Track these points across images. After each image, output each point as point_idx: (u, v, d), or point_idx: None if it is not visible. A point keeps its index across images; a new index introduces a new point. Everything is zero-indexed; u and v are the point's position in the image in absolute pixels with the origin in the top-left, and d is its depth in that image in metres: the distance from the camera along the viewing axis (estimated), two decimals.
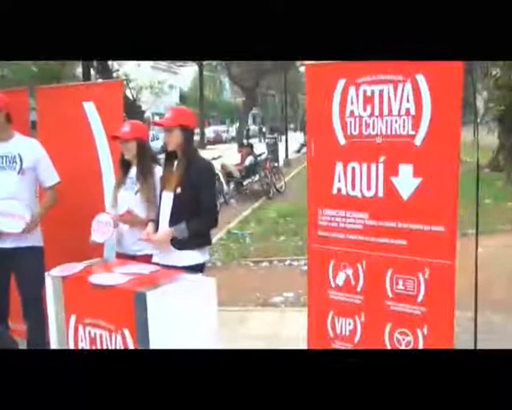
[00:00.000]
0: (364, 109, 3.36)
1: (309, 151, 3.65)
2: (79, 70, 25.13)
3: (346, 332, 3.55)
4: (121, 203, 3.90)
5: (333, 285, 3.58)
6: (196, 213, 3.51)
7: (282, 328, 5.19)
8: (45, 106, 4.84)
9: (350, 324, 3.54)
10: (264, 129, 45.71)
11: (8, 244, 3.91)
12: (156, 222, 3.66)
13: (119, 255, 3.87)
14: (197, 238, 3.59)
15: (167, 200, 3.61)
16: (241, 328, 5.16)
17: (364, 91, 3.35)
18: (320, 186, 3.59)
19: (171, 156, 3.66)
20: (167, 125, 3.58)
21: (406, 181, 3.24)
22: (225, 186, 13.83)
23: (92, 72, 15.60)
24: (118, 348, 2.90)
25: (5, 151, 3.92)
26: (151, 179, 3.81)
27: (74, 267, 3.31)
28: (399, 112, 3.23)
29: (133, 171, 3.91)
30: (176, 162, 3.63)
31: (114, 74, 22.14)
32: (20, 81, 19.66)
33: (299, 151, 28.47)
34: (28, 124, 4.84)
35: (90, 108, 4.45)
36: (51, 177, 4.09)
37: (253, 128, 46.52)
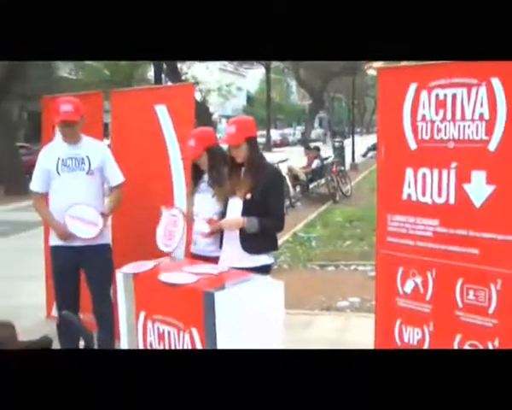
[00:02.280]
0: (436, 113, 3.29)
1: (379, 155, 3.62)
2: (150, 73, 25.82)
3: (413, 341, 3.49)
4: (198, 207, 3.93)
5: (401, 292, 3.52)
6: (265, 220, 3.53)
7: (347, 333, 5.15)
8: (119, 108, 4.99)
9: (418, 333, 3.47)
10: (327, 133, 45.47)
11: (78, 243, 4.08)
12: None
13: (193, 256, 3.91)
14: (265, 243, 3.61)
15: (235, 206, 3.62)
16: (306, 332, 5.15)
17: (437, 95, 3.28)
18: (390, 191, 3.55)
19: (237, 163, 3.65)
20: (235, 143, 3.56)
21: (479, 188, 3.15)
22: (291, 189, 13.82)
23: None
24: (186, 346, 2.96)
25: (74, 153, 4.09)
26: (225, 183, 3.78)
27: (144, 265, 3.39)
28: (473, 116, 3.16)
29: (206, 175, 3.93)
30: (243, 169, 3.64)
31: (183, 77, 22.61)
32: (93, 84, 20.36)
33: (365, 155, 28.17)
34: (102, 126, 5.01)
35: (161, 110, 4.55)
36: (117, 177, 4.26)
37: (316, 132, 46.35)
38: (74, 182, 4.04)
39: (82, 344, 2.59)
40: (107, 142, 5.23)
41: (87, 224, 4.02)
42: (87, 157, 4.09)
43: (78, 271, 4.20)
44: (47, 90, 14.47)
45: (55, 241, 4.19)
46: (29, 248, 8.31)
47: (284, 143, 44.52)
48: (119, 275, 3.39)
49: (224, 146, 3.80)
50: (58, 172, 4.07)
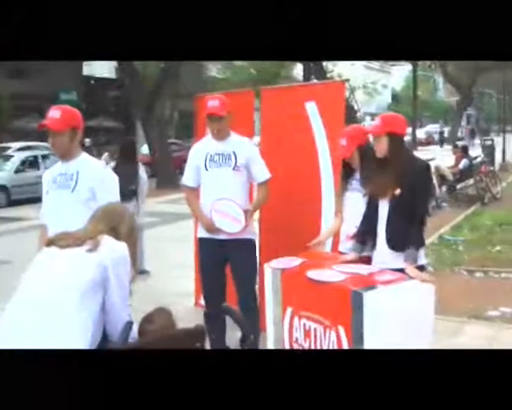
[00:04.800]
0: None
1: None
2: (295, 71, 26.09)
3: None
4: (349, 206, 3.88)
5: None
6: (411, 218, 3.37)
7: (498, 345, 4.85)
8: (269, 105, 5.09)
9: None
10: (464, 130, 42.99)
11: (223, 236, 4.20)
12: (366, 230, 3.59)
13: (342, 254, 3.88)
14: (412, 240, 3.46)
15: (383, 205, 3.47)
16: (453, 339, 4.93)
17: None
18: None
19: (382, 162, 3.51)
20: (375, 133, 3.49)
21: None
22: (438, 189, 13.34)
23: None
24: (331, 344, 2.96)
25: (222, 149, 4.20)
26: (377, 182, 3.66)
27: (293, 261, 3.43)
28: None
29: (357, 173, 3.87)
30: (389, 167, 3.46)
31: (329, 75, 22.61)
32: (241, 83, 21.02)
33: None
34: (253, 123, 5.14)
35: (311, 108, 4.57)
36: (263, 173, 4.28)
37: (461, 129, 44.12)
38: (221, 177, 4.16)
39: (239, 335, 2.67)
40: (257, 139, 5.36)
41: (231, 219, 4.13)
42: (233, 153, 4.19)
43: (224, 263, 4.31)
44: (199, 89, 15.15)
45: (201, 233, 4.35)
46: (178, 239, 8.76)
47: (430, 141, 43.03)
48: (268, 270, 3.46)
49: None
50: (206, 168, 4.21)
